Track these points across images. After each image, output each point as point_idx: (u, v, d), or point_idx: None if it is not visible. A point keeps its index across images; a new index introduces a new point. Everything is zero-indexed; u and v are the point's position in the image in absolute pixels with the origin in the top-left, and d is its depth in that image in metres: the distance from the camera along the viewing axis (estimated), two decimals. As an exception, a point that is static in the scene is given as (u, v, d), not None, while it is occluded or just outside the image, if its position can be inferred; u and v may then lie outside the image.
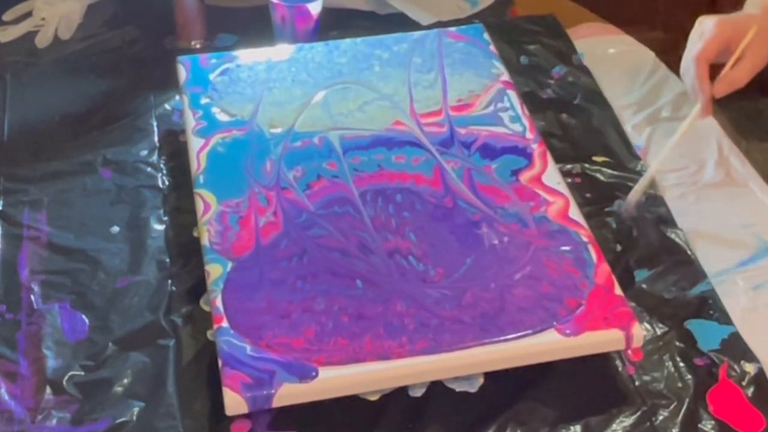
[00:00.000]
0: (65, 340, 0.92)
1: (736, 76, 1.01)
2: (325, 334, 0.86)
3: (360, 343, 0.85)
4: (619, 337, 0.87)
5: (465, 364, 0.86)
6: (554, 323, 0.87)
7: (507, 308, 0.88)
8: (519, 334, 0.86)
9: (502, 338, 0.86)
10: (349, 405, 0.86)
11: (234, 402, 0.82)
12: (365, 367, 0.84)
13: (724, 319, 0.95)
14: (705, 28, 1.03)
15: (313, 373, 0.83)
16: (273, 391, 0.82)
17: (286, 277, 0.91)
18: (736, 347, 0.92)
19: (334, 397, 0.85)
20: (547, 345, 0.86)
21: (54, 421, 0.86)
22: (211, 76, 1.12)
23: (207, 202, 0.98)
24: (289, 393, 0.83)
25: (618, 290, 0.90)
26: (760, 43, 1.01)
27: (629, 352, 0.92)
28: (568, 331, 0.87)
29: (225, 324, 0.87)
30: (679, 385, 0.89)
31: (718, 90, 1.01)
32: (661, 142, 1.15)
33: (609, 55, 1.30)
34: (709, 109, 1.02)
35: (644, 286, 0.98)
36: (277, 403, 0.83)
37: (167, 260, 0.99)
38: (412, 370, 0.85)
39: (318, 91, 1.10)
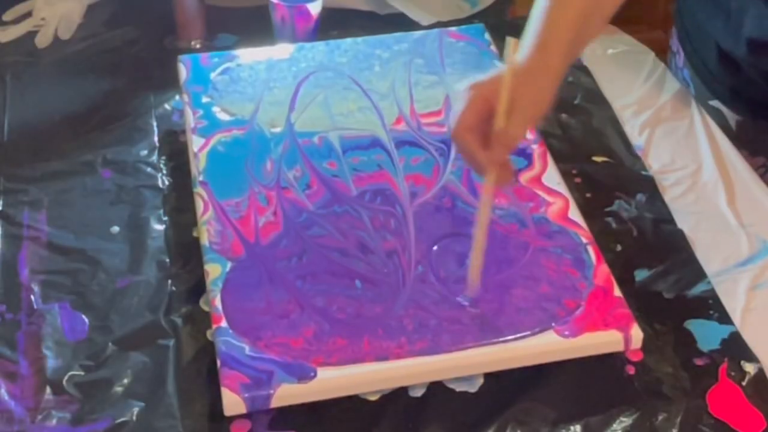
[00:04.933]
0: (65, 340, 0.92)
1: (511, 133, 0.87)
2: (323, 334, 0.86)
3: (359, 344, 0.85)
4: (617, 338, 0.87)
5: (463, 365, 0.86)
6: (553, 324, 0.87)
7: (506, 309, 0.88)
8: (517, 335, 0.86)
9: (500, 339, 0.86)
10: (349, 405, 0.86)
11: (232, 402, 0.82)
12: (364, 367, 0.84)
13: (724, 319, 0.95)
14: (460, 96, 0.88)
15: (312, 374, 0.83)
16: (271, 392, 0.82)
17: (285, 276, 0.91)
18: (736, 347, 0.92)
19: (333, 397, 0.85)
20: (545, 346, 0.86)
21: (54, 421, 0.86)
22: (212, 75, 1.12)
23: (207, 202, 0.98)
24: (287, 393, 0.83)
25: (617, 291, 0.90)
26: (524, 89, 0.87)
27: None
28: (566, 333, 0.86)
29: (224, 324, 0.87)
30: (679, 385, 0.89)
31: (496, 154, 0.87)
32: (661, 142, 1.15)
33: (609, 55, 1.30)
34: (503, 177, 0.89)
35: (644, 286, 0.98)
36: (275, 403, 0.83)
37: (167, 260, 0.99)
38: (410, 370, 0.85)
39: (319, 91, 1.10)
